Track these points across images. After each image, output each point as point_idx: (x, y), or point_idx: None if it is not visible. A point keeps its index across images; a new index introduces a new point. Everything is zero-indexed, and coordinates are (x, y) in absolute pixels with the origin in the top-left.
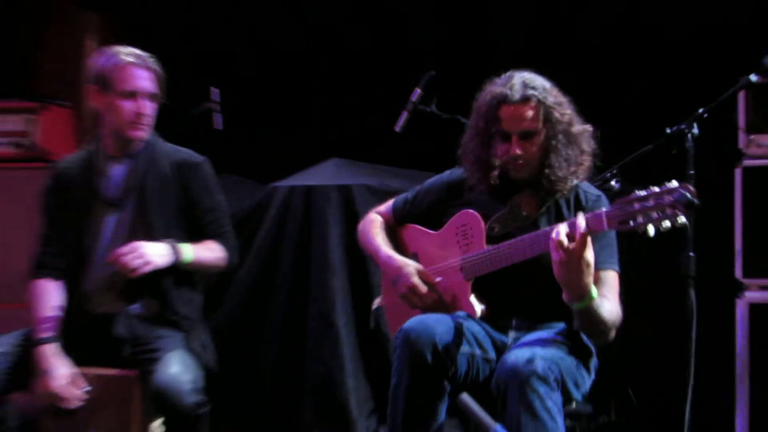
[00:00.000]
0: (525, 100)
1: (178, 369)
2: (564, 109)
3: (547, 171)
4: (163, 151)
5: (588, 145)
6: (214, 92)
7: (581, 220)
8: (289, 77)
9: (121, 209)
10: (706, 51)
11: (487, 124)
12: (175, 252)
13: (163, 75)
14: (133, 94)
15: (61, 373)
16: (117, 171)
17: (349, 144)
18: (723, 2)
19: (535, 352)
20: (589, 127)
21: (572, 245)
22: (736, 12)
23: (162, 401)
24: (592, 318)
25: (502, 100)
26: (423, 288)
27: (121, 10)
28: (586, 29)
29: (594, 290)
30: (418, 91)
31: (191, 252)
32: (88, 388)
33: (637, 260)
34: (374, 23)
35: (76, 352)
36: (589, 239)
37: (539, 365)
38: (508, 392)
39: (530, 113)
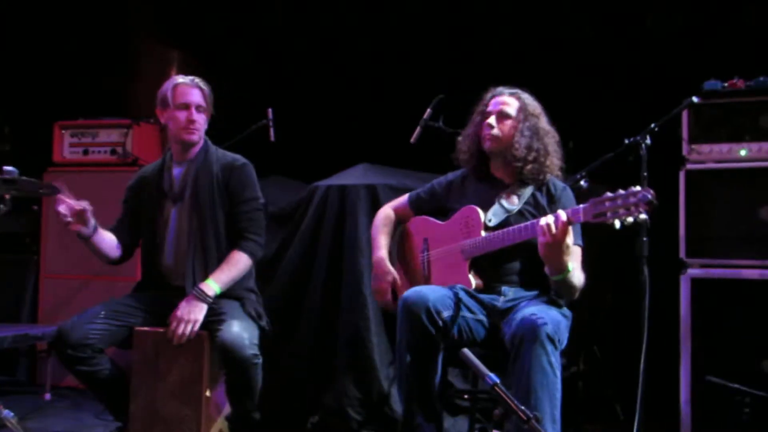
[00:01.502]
0: (509, 94)
1: (238, 329)
2: (537, 111)
3: (512, 149)
4: (215, 155)
5: (553, 147)
6: (269, 112)
7: (562, 214)
8: (329, 99)
9: (181, 202)
10: (658, 77)
11: (479, 114)
12: (205, 297)
13: (211, 93)
14: (186, 106)
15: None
16: (178, 171)
17: (375, 152)
18: (674, 39)
19: (545, 316)
20: (554, 132)
21: (557, 232)
22: (683, 46)
23: (226, 353)
24: (566, 286)
25: (493, 94)
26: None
27: (196, 48)
28: (563, 59)
29: (570, 265)
30: (429, 111)
31: (217, 285)
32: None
33: (603, 243)
34: (398, 58)
35: (159, 315)
36: (570, 228)
37: (549, 328)
38: (522, 346)
39: (510, 101)
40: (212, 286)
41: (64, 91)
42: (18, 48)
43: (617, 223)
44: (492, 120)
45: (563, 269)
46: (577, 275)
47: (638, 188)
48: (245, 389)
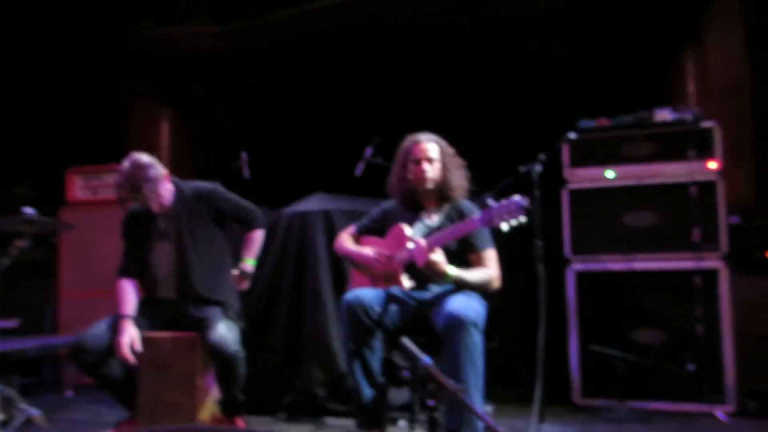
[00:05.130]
0: (429, 141)
1: (224, 330)
2: (450, 150)
3: (446, 182)
4: (186, 189)
5: (462, 175)
6: (243, 155)
7: (421, 241)
8: (290, 142)
9: (165, 240)
10: (545, 118)
11: (404, 159)
12: (246, 272)
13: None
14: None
15: (128, 336)
16: (162, 217)
17: (327, 183)
18: (554, 82)
19: (468, 305)
20: (461, 163)
21: (420, 257)
22: (561, 88)
23: (215, 351)
24: (462, 285)
25: (416, 142)
26: (381, 257)
27: (184, 107)
28: (476, 109)
29: (450, 272)
30: (369, 149)
31: (251, 259)
32: (141, 350)
33: (511, 249)
34: (344, 109)
35: (159, 322)
36: (432, 256)
37: (472, 315)
38: (452, 332)
39: (432, 147)
40: (248, 262)
41: (71, 143)
42: (30, 107)
43: (504, 226)
44: (425, 165)
45: (442, 277)
46: (474, 275)
47: (516, 197)
48: (232, 379)
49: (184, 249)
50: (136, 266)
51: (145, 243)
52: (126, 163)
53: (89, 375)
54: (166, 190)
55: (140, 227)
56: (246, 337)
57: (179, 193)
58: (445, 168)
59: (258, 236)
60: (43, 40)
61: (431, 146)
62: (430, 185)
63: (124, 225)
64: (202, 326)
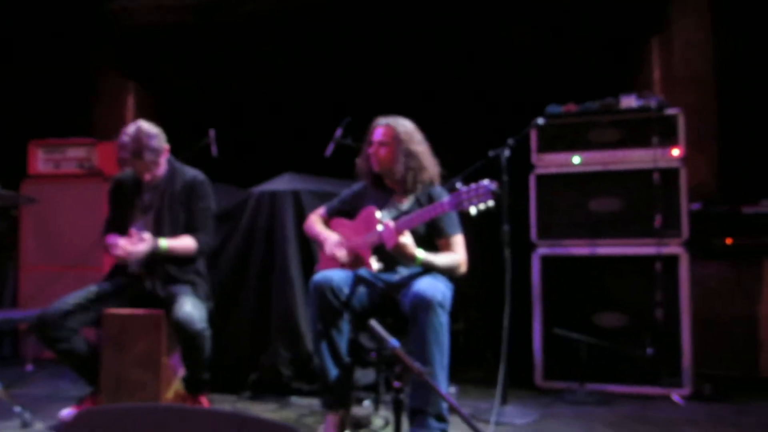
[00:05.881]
0: (384, 125)
1: (190, 308)
2: (410, 136)
3: (392, 169)
4: (179, 173)
5: (427, 161)
6: (211, 132)
7: (390, 223)
8: (259, 121)
9: (148, 213)
10: (514, 103)
11: (368, 141)
12: (155, 244)
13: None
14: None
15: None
16: (148, 191)
17: (297, 163)
18: (523, 67)
19: (435, 286)
20: (426, 149)
21: (389, 239)
22: (530, 74)
23: (180, 328)
24: (430, 268)
25: (375, 125)
26: (341, 248)
27: (150, 81)
28: (447, 93)
29: (419, 255)
30: (339, 130)
31: (165, 243)
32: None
33: (478, 233)
34: (314, 88)
35: (124, 298)
36: (401, 239)
37: (439, 296)
38: (418, 313)
39: (385, 131)
40: (162, 240)
41: (35, 115)
42: None
43: (473, 210)
44: (375, 149)
45: (411, 260)
46: (442, 259)
47: (485, 181)
48: (197, 357)
49: (162, 226)
50: (117, 234)
51: (127, 213)
52: (132, 127)
53: (52, 350)
54: (162, 165)
55: (125, 197)
56: (212, 317)
57: (171, 171)
58: (396, 152)
59: (189, 242)
60: (7, 10)
61: (384, 130)
62: (378, 168)
63: (110, 192)
64: (168, 303)
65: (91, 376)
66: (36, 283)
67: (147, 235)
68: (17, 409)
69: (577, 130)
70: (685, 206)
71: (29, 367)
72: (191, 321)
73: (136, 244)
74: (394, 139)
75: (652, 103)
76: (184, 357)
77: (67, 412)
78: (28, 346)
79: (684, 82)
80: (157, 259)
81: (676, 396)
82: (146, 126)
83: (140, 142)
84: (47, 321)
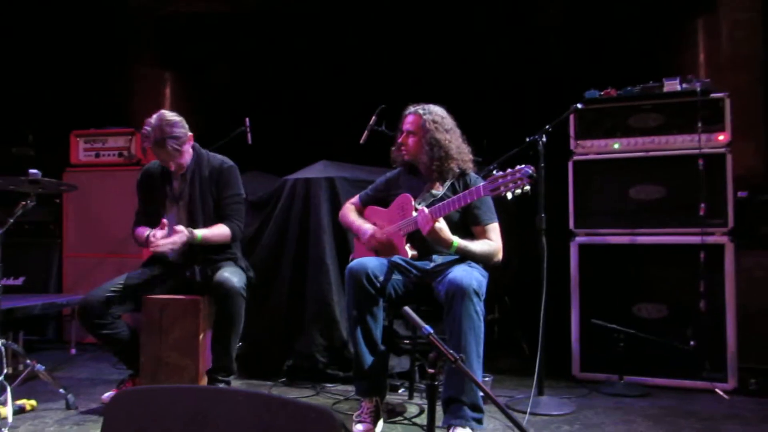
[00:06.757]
0: (413, 113)
1: (229, 273)
2: (437, 125)
3: (419, 158)
4: (206, 159)
5: (456, 149)
6: (247, 121)
7: (425, 210)
8: (295, 109)
9: (179, 203)
10: (552, 88)
11: (399, 130)
12: (191, 235)
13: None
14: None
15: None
16: (177, 179)
17: (332, 150)
18: (562, 51)
19: (471, 274)
20: (456, 137)
21: (426, 223)
22: (569, 58)
23: (219, 288)
24: (466, 255)
25: (405, 113)
26: (378, 236)
27: (186, 70)
28: (484, 79)
29: (456, 241)
30: (374, 117)
31: (200, 234)
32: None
33: (513, 220)
34: (349, 76)
35: (163, 284)
36: (437, 225)
37: (475, 284)
38: (454, 300)
39: (413, 120)
40: (197, 231)
41: (76, 106)
42: (36, 69)
43: (509, 195)
44: (404, 138)
45: (447, 246)
46: (478, 246)
47: (522, 166)
48: (230, 324)
49: (195, 215)
50: (149, 225)
51: (157, 204)
52: (154, 117)
53: (94, 335)
54: (187, 152)
55: (155, 187)
56: (252, 286)
57: (198, 158)
58: (421, 142)
59: (223, 231)
60: (47, 4)
61: (412, 119)
62: (406, 157)
63: (139, 184)
64: (211, 273)
65: (131, 359)
66: (78, 269)
67: (180, 227)
68: (61, 390)
69: (617, 115)
70: (731, 194)
71: (72, 351)
72: (231, 281)
73: (171, 236)
74: (421, 128)
75: (697, 87)
76: (216, 327)
77: (108, 394)
78: (71, 330)
79: (731, 65)
80: (195, 249)
81: (719, 390)
82: (168, 114)
83: (162, 131)
84: (90, 308)
